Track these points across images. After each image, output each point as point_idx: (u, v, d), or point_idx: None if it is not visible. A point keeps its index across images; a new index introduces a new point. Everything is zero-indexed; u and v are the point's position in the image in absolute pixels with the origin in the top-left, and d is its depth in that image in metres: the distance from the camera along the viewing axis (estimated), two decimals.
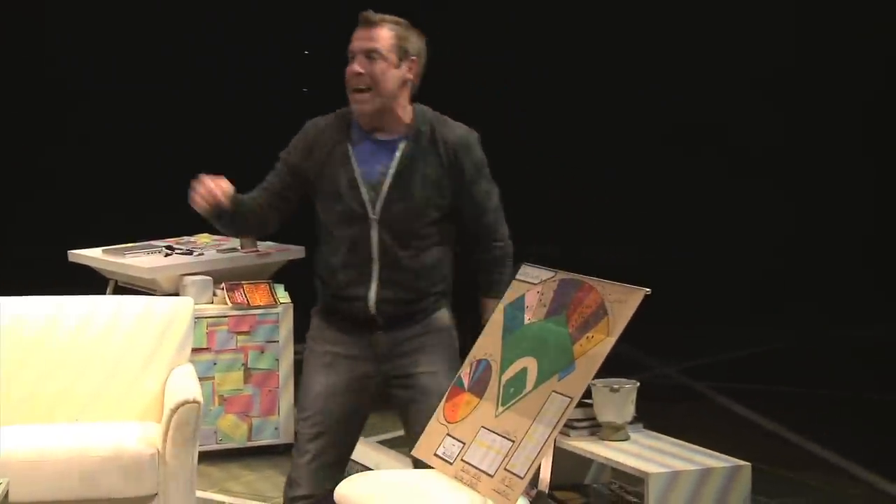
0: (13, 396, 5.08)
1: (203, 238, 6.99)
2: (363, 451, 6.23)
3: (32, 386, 5.12)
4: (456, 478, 4.16)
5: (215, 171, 4.49)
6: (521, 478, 3.97)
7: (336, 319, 4.12)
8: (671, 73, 11.79)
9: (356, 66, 3.95)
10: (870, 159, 11.30)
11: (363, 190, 3.98)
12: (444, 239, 4.10)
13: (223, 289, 6.38)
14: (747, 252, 11.48)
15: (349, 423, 4.17)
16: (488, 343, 4.42)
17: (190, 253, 6.60)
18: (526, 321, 4.35)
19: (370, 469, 5.73)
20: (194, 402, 4.72)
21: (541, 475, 4.25)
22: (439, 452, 4.29)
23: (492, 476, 4.04)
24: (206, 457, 5.99)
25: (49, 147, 12.35)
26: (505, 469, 4.02)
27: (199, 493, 5.24)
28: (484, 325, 4.03)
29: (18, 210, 12.18)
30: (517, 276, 4.52)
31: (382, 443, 6.55)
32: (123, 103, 12.32)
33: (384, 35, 3.95)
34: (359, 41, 3.97)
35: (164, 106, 12.17)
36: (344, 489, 4.25)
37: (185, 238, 6.99)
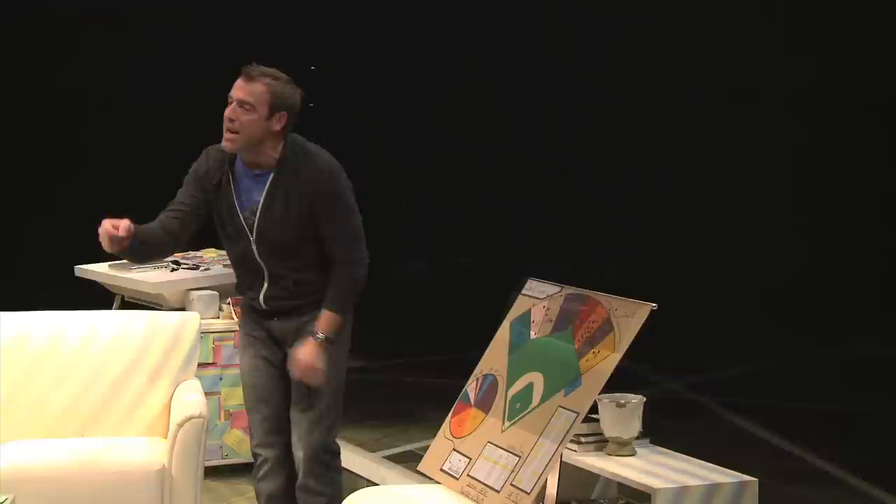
0: (19, 411, 5.07)
1: (209, 253, 6.98)
2: (369, 466, 6.22)
3: (38, 401, 5.11)
4: (462, 493, 4.16)
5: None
6: (528, 493, 3.97)
7: (247, 310, 4.78)
8: (681, 81, 11.83)
9: (229, 112, 4.48)
10: (869, 172, 11.33)
11: (241, 218, 4.57)
12: (324, 256, 4.59)
13: (229, 303, 6.38)
14: (754, 268, 11.48)
15: (276, 388, 4.72)
16: (494, 358, 4.43)
17: (196, 268, 6.59)
18: (532, 336, 4.35)
19: (376, 484, 5.74)
20: (200, 417, 4.74)
21: (547, 490, 4.25)
22: (445, 467, 4.29)
23: (498, 491, 4.04)
24: (211, 472, 5.99)
25: (53, 162, 12.35)
26: (511, 484, 4.02)
27: None
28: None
29: (24, 225, 12.18)
30: (523, 292, 4.52)
31: (388, 458, 6.54)
32: (130, 116, 12.33)
33: (259, 90, 4.46)
34: (236, 90, 4.49)
35: (169, 120, 12.17)
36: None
37: (192, 253, 6.98)
